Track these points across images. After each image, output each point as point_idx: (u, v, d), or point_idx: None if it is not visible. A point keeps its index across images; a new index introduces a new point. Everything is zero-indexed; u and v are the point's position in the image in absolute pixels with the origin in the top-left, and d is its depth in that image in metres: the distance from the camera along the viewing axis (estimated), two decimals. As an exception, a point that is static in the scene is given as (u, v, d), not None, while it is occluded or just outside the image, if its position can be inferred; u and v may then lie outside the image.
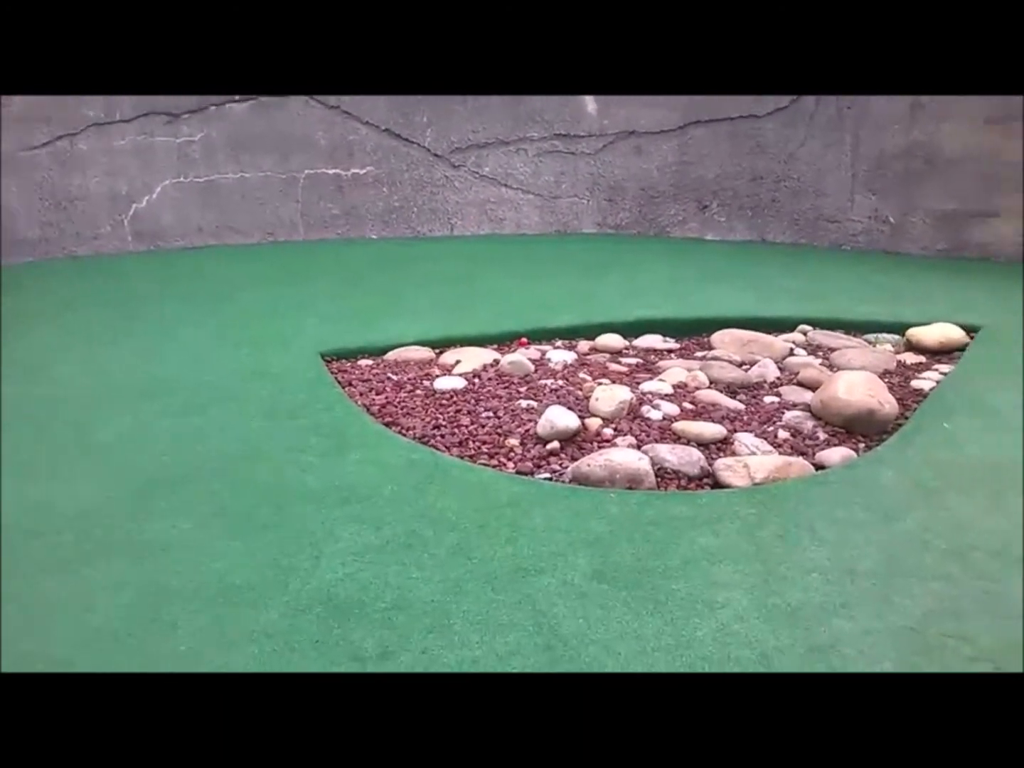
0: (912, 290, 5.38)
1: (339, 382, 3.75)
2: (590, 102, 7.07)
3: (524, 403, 3.52)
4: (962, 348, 4.38)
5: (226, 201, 6.87)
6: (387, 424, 3.31)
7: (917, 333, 4.48)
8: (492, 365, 4.01)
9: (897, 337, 4.54)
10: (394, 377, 3.84)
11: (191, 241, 6.87)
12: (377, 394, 3.63)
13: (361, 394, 3.62)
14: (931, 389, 3.82)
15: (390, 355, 4.14)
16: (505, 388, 3.71)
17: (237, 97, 6.80)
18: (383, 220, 7.04)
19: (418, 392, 3.66)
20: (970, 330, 4.55)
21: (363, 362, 4.08)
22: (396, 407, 3.50)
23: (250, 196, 6.91)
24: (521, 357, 4.00)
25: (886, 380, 3.90)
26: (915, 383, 3.94)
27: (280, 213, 6.96)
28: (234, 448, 3.08)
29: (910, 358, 4.29)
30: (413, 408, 3.48)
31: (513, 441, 3.18)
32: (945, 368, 4.12)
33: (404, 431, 3.26)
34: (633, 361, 4.20)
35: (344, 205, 7.01)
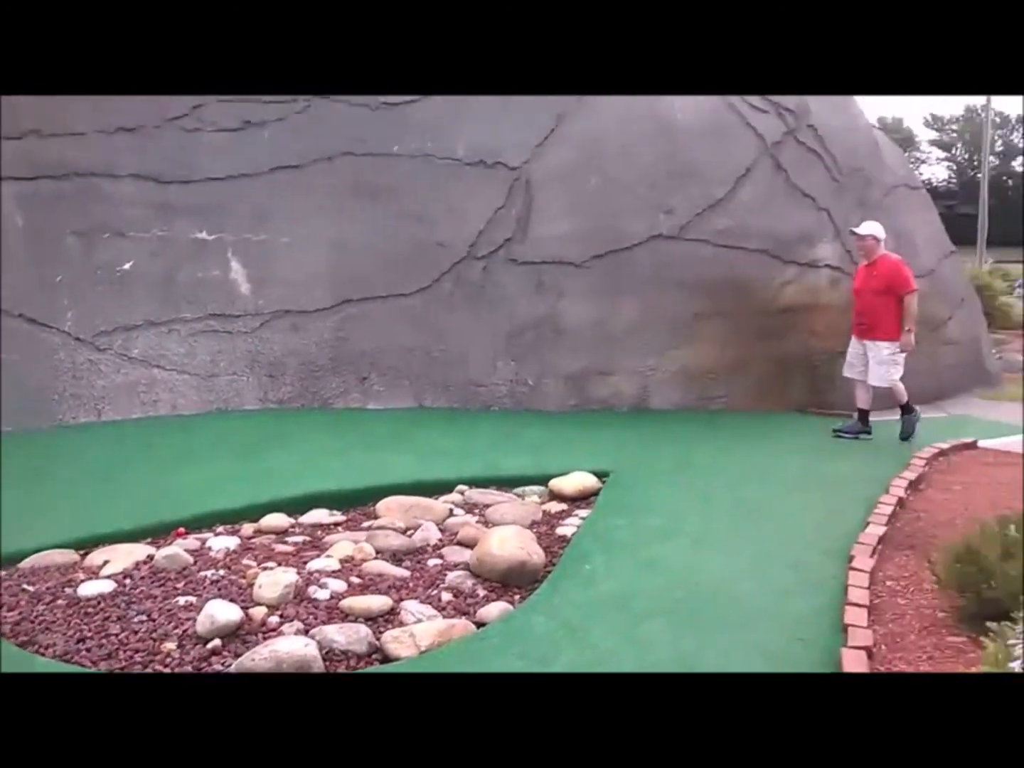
0: (552, 443, 6.00)
1: (-42, 604, 3.28)
2: (243, 282, 7.18)
3: (182, 600, 3.34)
4: (596, 493, 4.94)
5: None
6: (21, 645, 2.95)
7: (558, 483, 4.98)
8: (145, 562, 3.75)
9: (542, 488, 5.00)
10: (30, 588, 3.44)
11: None
12: (9, 610, 3.22)
13: (-14, 614, 3.20)
14: (573, 534, 4.25)
15: (25, 563, 3.71)
16: (160, 586, 3.48)
17: None
18: (19, 410, 6.40)
19: (59, 602, 3.31)
20: (601, 475, 5.16)
21: (-10, 575, 3.61)
22: (33, 623, 3.13)
23: None
24: (177, 549, 3.80)
25: (535, 530, 4.27)
26: (560, 530, 4.35)
27: None
28: None
29: (554, 507, 4.74)
30: (53, 622, 3.14)
31: (170, 644, 2.99)
32: (584, 513, 4.61)
33: (42, 650, 2.92)
34: (300, 539, 4.17)
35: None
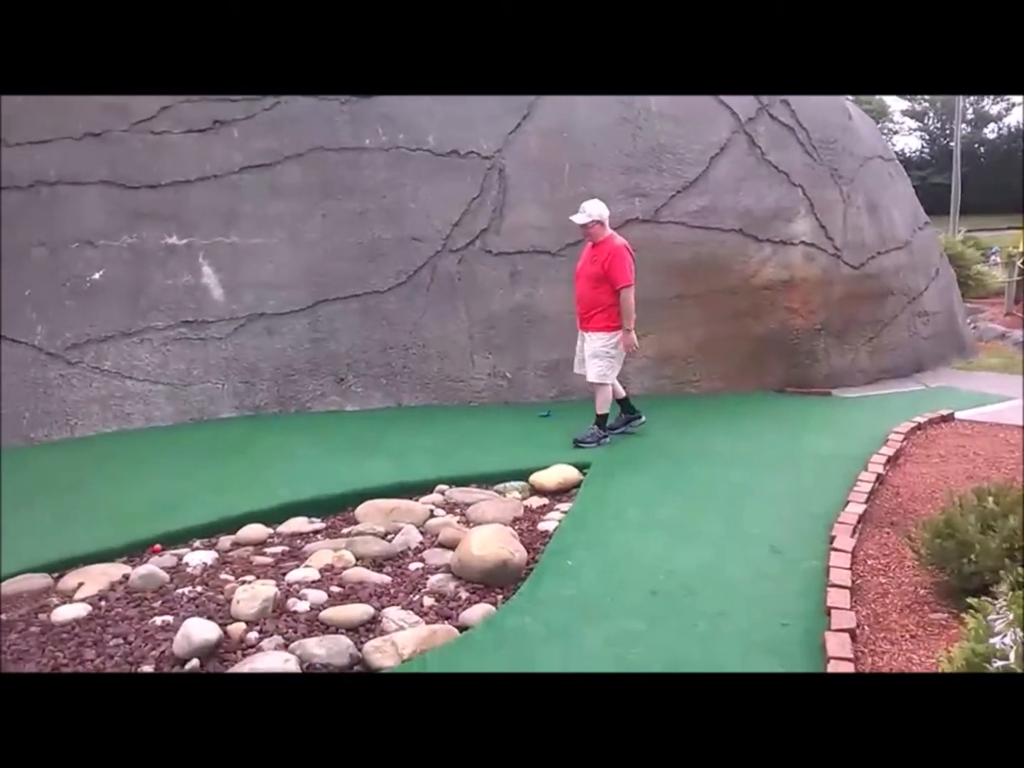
0: (532, 436, 5.96)
1: (-72, 636, 3.22)
2: (215, 287, 7.09)
3: (159, 620, 3.29)
4: (578, 485, 4.92)
5: None
6: (-8, 678, 2.89)
7: (539, 477, 4.95)
8: (121, 582, 3.69)
9: (523, 483, 4.97)
10: (2, 617, 3.38)
11: None
12: (-21, 642, 3.17)
13: (-43, 646, 3.14)
14: (555, 529, 4.22)
15: (-4, 590, 3.65)
16: (136, 607, 3.43)
17: None
18: (-12, 430, 6.32)
19: (32, 629, 3.25)
20: (582, 468, 5.13)
21: (-39, 605, 3.55)
22: (5, 653, 3.07)
23: None
24: (153, 568, 3.75)
25: (516, 527, 4.24)
26: (541, 525, 4.32)
27: None
28: None
29: (536, 501, 4.71)
30: (26, 651, 3.08)
31: (147, 668, 2.94)
32: (565, 507, 4.59)
33: (13, 682, 2.87)
34: (279, 549, 4.13)
35: (-64, 419, 6.20)
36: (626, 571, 3.69)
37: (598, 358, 5.73)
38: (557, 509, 4.57)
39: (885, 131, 36.67)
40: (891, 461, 5.14)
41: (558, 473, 4.98)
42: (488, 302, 7.24)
